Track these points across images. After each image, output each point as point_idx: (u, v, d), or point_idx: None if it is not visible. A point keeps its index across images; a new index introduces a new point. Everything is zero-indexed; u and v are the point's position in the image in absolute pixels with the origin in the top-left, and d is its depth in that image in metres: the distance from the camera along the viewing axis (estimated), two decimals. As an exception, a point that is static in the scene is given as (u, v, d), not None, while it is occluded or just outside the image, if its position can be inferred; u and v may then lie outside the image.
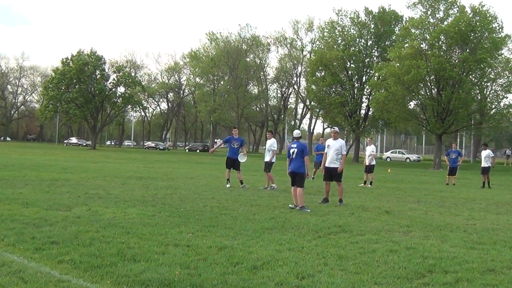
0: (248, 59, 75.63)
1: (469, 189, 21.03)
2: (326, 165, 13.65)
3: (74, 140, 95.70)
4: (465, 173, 30.26)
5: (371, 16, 56.61)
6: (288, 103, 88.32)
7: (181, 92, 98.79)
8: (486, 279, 6.24)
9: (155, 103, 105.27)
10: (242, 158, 17.48)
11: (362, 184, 20.95)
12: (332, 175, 13.52)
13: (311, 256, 7.11)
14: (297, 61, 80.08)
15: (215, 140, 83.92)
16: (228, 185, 17.33)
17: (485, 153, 23.33)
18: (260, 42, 77.01)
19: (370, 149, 21.91)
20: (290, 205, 12.23)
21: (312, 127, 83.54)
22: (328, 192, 13.75)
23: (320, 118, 71.53)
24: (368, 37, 57.64)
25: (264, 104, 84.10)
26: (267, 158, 17.48)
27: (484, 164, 22.96)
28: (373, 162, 21.43)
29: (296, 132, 13.42)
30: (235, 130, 18.73)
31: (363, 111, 59.69)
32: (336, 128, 14.30)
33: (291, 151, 12.37)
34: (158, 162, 36.54)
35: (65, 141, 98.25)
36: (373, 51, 58.73)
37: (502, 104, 49.46)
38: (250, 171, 26.20)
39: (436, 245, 8.14)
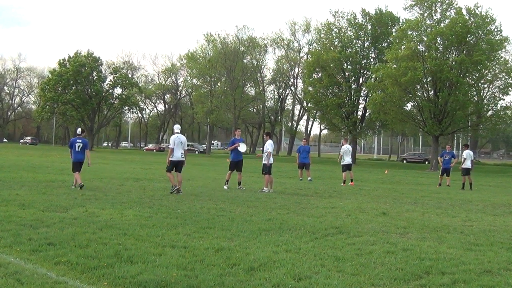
0: (245, 61, 75.57)
1: (465, 191, 21.07)
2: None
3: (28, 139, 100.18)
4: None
5: (368, 17, 56.64)
6: (285, 104, 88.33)
7: (178, 94, 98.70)
8: (483, 281, 6.25)
9: (152, 104, 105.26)
10: (242, 148, 17.73)
11: (349, 183, 21.18)
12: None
13: (308, 258, 7.12)
14: (294, 63, 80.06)
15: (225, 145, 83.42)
16: (225, 187, 17.36)
17: (470, 153, 23.15)
18: (257, 43, 76.91)
19: (344, 149, 22.76)
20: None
21: (309, 129, 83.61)
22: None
23: (317, 119, 71.49)
24: (365, 38, 57.65)
25: (261, 106, 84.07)
26: (264, 161, 17.43)
27: (469, 164, 22.77)
28: (344, 161, 21.96)
29: (79, 130, 16.66)
30: (238, 131, 18.98)
31: (360, 113, 59.70)
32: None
33: (77, 145, 15.85)
34: (154, 163, 36.50)
35: (20, 141, 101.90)
36: (370, 52, 58.73)
37: (499, 105, 49.48)
38: (247, 173, 26.18)
39: (433, 247, 8.15)
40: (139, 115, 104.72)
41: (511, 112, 49.14)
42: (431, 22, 47.93)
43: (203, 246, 7.60)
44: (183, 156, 15.53)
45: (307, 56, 73.26)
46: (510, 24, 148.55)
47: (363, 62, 57.79)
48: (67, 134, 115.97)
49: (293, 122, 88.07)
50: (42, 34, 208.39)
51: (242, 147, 17.68)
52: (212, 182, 20.27)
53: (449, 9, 47.59)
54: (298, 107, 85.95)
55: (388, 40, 55.57)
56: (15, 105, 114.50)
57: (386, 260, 7.10)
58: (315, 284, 5.89)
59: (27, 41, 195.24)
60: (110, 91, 76.76)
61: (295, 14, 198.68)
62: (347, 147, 22.80)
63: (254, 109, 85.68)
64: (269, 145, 17.52)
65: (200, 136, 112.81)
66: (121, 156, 50.82)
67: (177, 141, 15.36)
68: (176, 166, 15.43)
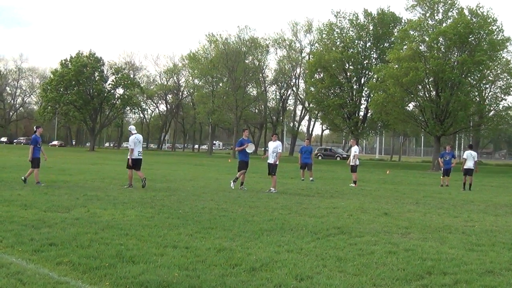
0: (247, 61, 75.48)
1: (467, 191, 21.03)
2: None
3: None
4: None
5: (370, 18, 56.58)
6: (287, 105, 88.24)
7: (180, 94, 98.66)
8: (484, 281, 6.25)
9: (154, 104, 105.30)
10: (250, 149, 17.91)
11: (353, 184, 21.28)
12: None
13: (310, 258, 7.12)
14: (295, 63, 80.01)
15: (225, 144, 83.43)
16: (232, 185, 17.49)
17: (471, 153, 22.85)
18: (259, 44, 76.83)
19: (353, 150, 23.23)
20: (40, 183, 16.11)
21: (311, 129, 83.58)
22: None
23: (319, 120, 71.46)
24: (367, 38, 57.59)
25: (262, 106, 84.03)
26: (270, 160, 17.48)
27: (471, 165, 22.49)
28: (357, 162, 22.37)
29: (38, 128, 17.71)
30: (245, 132, 19.23)
31: (361, 113, 59.63)
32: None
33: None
34: (156, 164, 36.51)
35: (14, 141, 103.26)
36: (372, 52, 58.66)
37: (501, 106, 49.36)
38: (248, 173, 26.15)
39: (434, 247, 8.15)
40: (141, 115, 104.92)
41: (513, 112, 49.07)
42: (433, 22, 47.86)
43: (205, 246, 7.60)
44: (140, 154, 16.68)
45: (308, 57, 73.24)
46: (511, 24, 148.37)
47: (365, 62, 57.73)
48: (69, 134, 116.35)
49: (295, 122, 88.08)
50: (44, 34, 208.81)
51: (250, 148, 17.88)
52: (213, 182, 20.26)
53: (451, 10, 47.53)
54: (300, 107, 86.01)
55: (390, 40, 55.53)
56: (17, 105, 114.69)
57: (388, 261, 7.10)
58: (317, 285, 5.89)
59: (29, 42, 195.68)
60: (112, 91, 76.79)
61: (297, 15, 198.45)
62: (358, 148, 23.60)
63: (256, 110, 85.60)
64: (279, 146, 17.76)
65: (202, 137, 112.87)
66: (122, 157, 50.78)
67: (136, 141, 16.52)
68: (136, 164, 16.43)
